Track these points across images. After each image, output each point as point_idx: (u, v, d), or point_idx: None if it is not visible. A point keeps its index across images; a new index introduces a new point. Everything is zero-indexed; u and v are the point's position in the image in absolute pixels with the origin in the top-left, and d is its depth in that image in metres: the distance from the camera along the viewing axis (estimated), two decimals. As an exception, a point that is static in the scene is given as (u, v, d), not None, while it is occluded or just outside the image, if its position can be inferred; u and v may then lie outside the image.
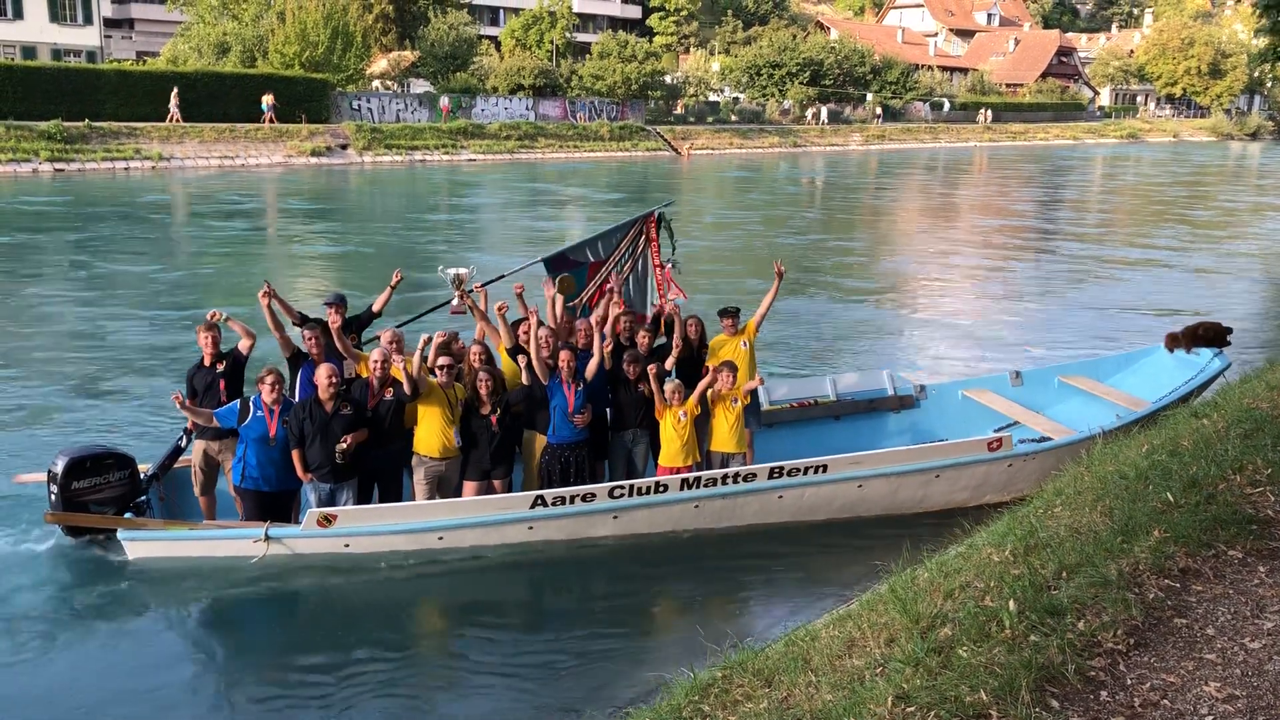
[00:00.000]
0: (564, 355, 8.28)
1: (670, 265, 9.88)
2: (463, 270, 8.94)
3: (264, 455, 7.88)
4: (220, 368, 8.29)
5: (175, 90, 43.32)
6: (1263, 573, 4.71)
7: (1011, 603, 4.48)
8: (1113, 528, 5.30)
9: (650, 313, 9.76)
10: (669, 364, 8.75)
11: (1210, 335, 10.39)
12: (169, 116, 43.26)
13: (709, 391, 8.65)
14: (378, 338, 8.65)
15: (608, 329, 8.89)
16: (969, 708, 3.75)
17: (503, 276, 9.59)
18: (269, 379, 7.88)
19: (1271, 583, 4.61)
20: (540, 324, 8.63)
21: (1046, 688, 3.87)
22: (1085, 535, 5.31)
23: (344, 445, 7.74)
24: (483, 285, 9.28)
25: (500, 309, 8.68)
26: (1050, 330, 17.07)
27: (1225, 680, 3.90)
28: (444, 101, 54.04)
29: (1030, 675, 3.88)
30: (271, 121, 44.81)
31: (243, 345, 8.41)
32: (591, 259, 9.73)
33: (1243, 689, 3.85)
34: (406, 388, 7.98)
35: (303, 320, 8.68)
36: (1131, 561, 4.80)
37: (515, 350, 8.63)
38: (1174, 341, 10.62)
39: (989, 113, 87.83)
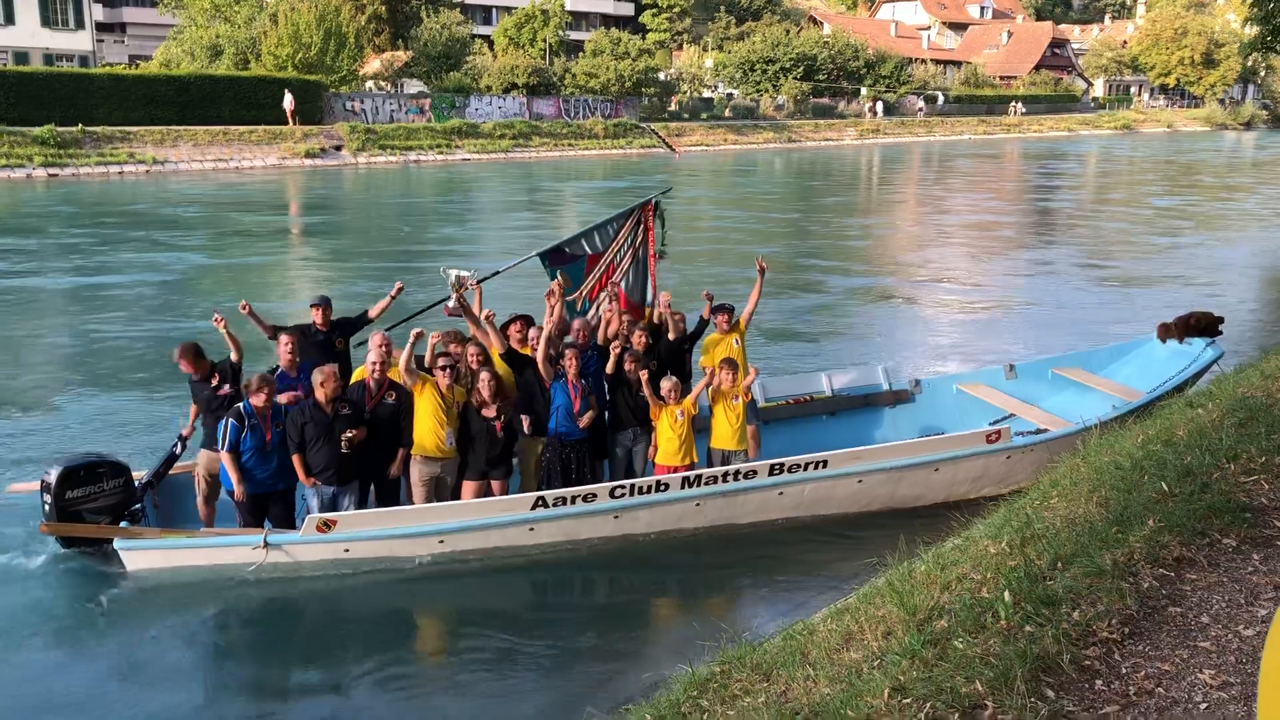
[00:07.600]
0: (569, 355, 8.29)
1: (659, 256, 9.84)
2: (465, 273, 8.90)
3: (260, 462, 7.80)
4: (225, 391, 8.11)
5: (287, 92, 45.73)
6: (1256, 560, 4.73)
7: (1007, 594, 4.50)
8: (1108, 518, 5.32)
9: (648, 303, 9.74)
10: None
11: (1203, 325, 10.39)
12: (287, 118, 45.23)
13: (709, 390, 8.65)
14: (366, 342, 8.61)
15: (610, 331, 8.90)
16: (965, 699, 3.77)
17: (498, 273, 9.55)
18: (255, 382, 7.78)
19: (1265, 570, 4.63)
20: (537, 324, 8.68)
21: (1042, 677, 3.89)
22: (1081, 526, 5.33)
23: (351, 434, 7.71)
24: (478, 282, 9.20)
25: (488, 316, 8.58)
26: (1042, 322, 17.09)
27: (1219, 668, 3.93)
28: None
29: (1026, 665, 3.90)
30: None
31: (233, 357, 8.34)
32: (589, 251, 9.62)
33: (1237, 676, 3.87)
34: (409, 383, 7.98)
35: (274, 332, 8.56)
36: (1126, 551, 4.82)
37: (509, 356, 8.59)
38: (1166, 332, 10.63)
39: (1020, 105, 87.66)
